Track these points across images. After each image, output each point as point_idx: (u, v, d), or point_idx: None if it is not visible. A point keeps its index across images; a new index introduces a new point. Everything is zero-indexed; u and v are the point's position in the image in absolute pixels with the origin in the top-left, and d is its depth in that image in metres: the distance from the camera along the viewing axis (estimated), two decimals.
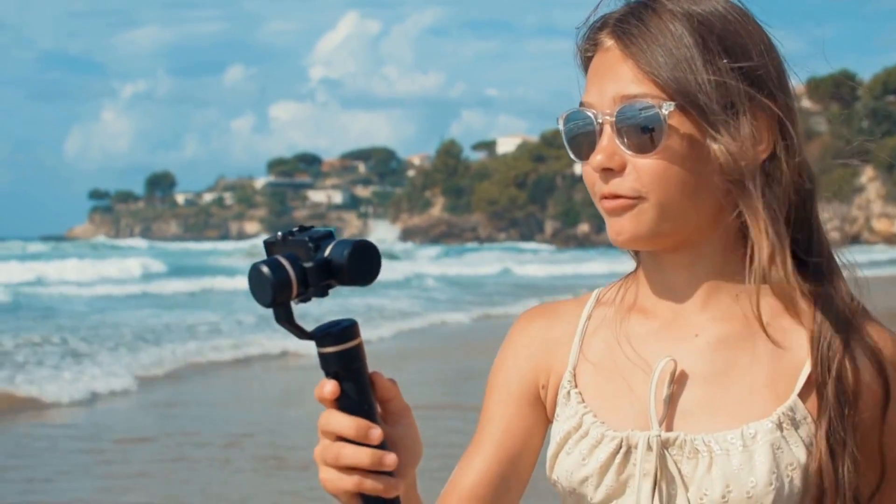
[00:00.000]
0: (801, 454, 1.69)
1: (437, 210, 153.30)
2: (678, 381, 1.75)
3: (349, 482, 1.48)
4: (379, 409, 1.53)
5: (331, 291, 1.46)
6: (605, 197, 1.73)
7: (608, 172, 1.71)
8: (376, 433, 1.47)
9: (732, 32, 1.72)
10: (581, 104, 1.76)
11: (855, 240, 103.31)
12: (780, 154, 1.73)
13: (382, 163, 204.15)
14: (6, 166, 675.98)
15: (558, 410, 1.83)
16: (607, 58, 1.74)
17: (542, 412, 1.88)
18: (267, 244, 1.51)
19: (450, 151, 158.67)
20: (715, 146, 1.68)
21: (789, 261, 1.73)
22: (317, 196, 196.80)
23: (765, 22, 1.77)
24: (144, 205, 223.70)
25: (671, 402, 1.75)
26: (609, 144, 1.71)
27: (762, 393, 1.73)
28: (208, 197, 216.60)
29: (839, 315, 1.73)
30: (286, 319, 1.45)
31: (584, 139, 1.75)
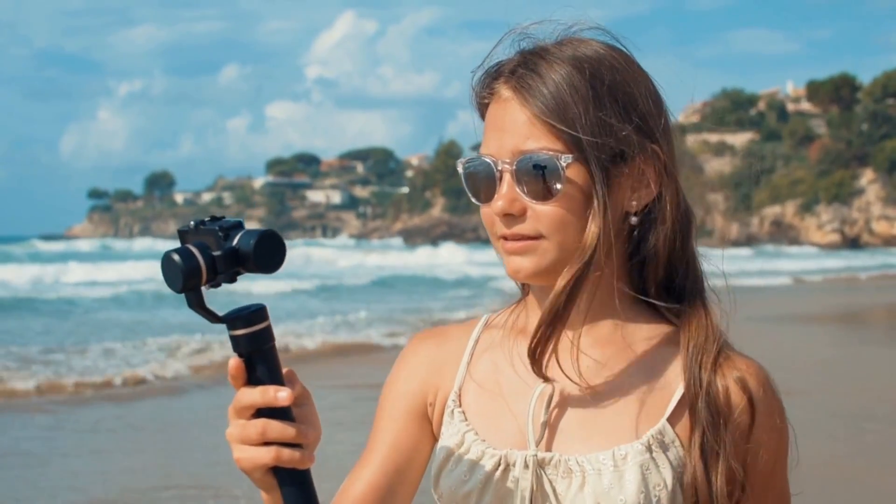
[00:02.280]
0: (668, 476, 1.78)
1: (437, 210, 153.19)
2: (557, 403, 1.84)
3: (268, 456, 1.56)
4: None
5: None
6: (506, 238, 1.82)
7: (509, 217, 1.81)
8: (283, 394, 1.56)
9: (621, 82, 1.81)
10: (479, 152, 1.85)
11: (854, 242, 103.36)
12: (665, 197, 1.84)
13: (381, 163, 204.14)
14: (2, 164, 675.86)
15: (443, 429, 1.92)
16: (506, 109, 1.82)
17: (428, 428, 1.96)
18: (181, 233, 1.56)
19: (450, 152, 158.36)
20: (597, 195, 1.78)
21: (659, 293, 1.89)
22: (315, 196, 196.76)
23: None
24: (143, 204, 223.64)
25: (552, 422, 1.84)
26: (509, 192, 1.80)
27: (634, 416, 1.82)
28: (207, 196, 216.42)
29: (709, 342, 1.84)
30: (198, 304, 1.53)
31: (483, 184, 1.84)
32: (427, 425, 1.96)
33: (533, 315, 1.92)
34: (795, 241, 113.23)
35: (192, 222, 1.56)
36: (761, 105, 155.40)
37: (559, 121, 1.76)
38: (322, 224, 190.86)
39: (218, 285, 1.54)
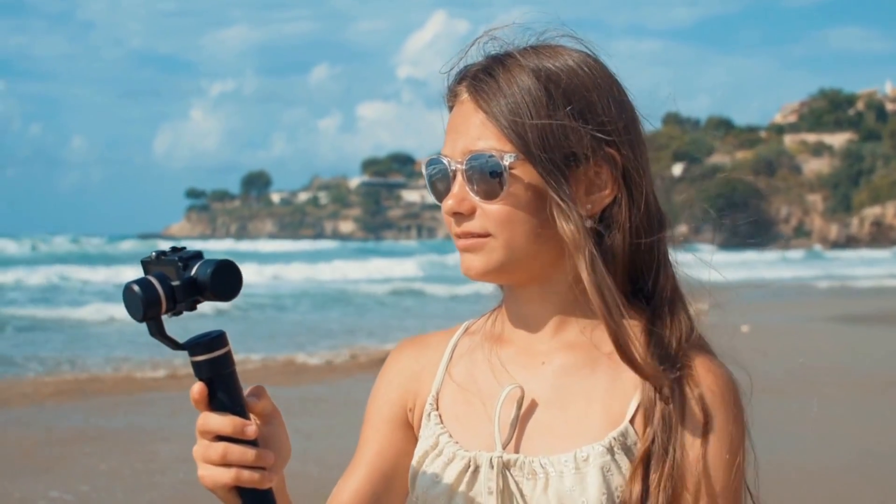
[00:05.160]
0: None
1: None
2: (526, 407, 1.89)
3: (228, 476, 1.64)
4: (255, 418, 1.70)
5: None
6: (459, 236, 1.88)
7: (459, 216, 1.87)
8: (251, 429, 1.64)
9: (579, 86, 1.84)
10: (440, 153, 1.90)
11: None
12: (620, 201, 1.86)
13: None
14: (99, 164, 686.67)
15: (421, 431, 1.98)
16: (462, 111, 1.89)
17: (412, 435, 2.02)
18: (143, 262, 1.64)
19: None
20: (551, 194, 1.81)
21: (619, 297, 1.85)
22: (410, 196, 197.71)
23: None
24: (240, 204, 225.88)
25: (518, 425, 1.88)
26: (460, 191, 1.85)
27: (598, 418, 1.85)
28: (303, 196, 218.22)
29: (671, 347, 1.85)
30: (158, 332, 1.60)
31: (441, 184, 1.89)
32: (410, 432, 2.02)
33: (504, 320, 1.99)
34: None
35: (153, 253, 1.63)
36: (860, 105, 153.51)
37: (509, 122, 1.81)
38: (417, 224, 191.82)
39: (179, 313, 1.60)
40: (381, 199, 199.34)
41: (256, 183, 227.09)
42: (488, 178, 1.82)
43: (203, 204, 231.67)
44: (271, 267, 49.05)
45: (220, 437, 1.65)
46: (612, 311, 1.82)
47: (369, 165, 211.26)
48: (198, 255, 1.63)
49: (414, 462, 1.95)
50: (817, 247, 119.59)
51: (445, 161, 1.88)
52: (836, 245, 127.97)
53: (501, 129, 1.82)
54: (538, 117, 1.80)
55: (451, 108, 1.94)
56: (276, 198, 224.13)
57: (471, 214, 1.85)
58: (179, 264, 1.60)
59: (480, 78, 1.87)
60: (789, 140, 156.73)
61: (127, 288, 1.57)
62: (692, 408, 1.82)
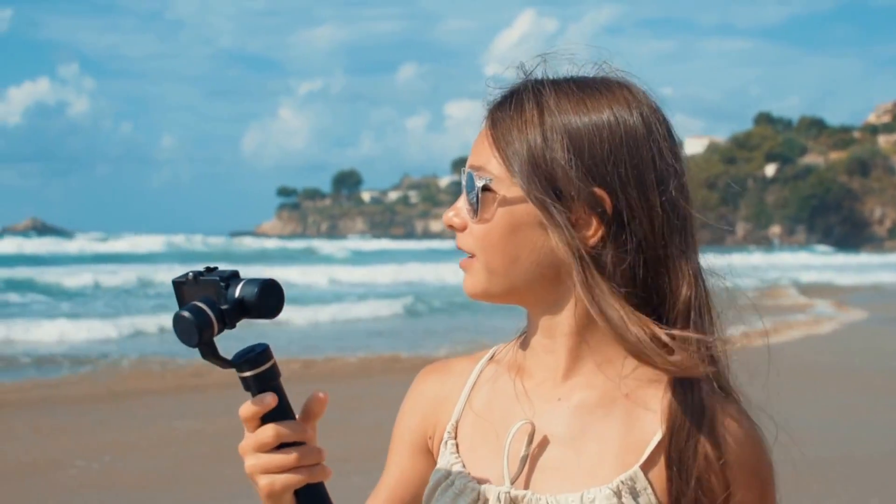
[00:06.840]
0: None
1: None
2: (538, 442, 1.87)
3: (299, 478, 1.71)
4: None
5: None
6: (459, 248, 1.93)
7: (454, 229, 1.92)
8: (311, 431, 1.73)
9: (583, 128, 1.81)
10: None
11: None
12: (608, 244, 1.79)
13: None
14: (188, 162, 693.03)
15: (438, 459, 1.99)
16: (484, 129, 1.92)
17: (432, 461, 2.02)
18: (176, 283, 1.68)
19: None
20: (539, 212, 1.81)
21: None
22: None
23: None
24: (331, 202, 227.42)
25: (530, 460, 1.86)
26: (460, 205, 1.92)
27: (610, 460, 1.83)
28: (393, 195, 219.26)
29: (697, 400, 1.81)
30: (212, 355, 1.65)
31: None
32: (431, 459, 2.03)
33: (525, 348, 1.96)
34: None
35: (189, 273, 1.67)
36: None
37: (505, 149, 1.85)
38: None
39: (220, 331, 1.65)
40: None
41: (347, 182, 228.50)
42: (476, 196, 1.85)
43: (294, 202, 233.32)
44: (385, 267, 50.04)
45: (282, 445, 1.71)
46: (618, 320, 1.78)
47: (459, 165, 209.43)
48: (235, 275, 1.67)
49: (427, 491, 1.96)
50: None
51: (462, 172, 1.93)
52: None
53: (500, 154, 1.85)
54: (533, 150, 1.82)
55: None
56: (366, 196, 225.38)
57: (463, 229, 1.90)
58: (222, 284, 1.65)
59: (503, 105, 1.89)
60: (883, 140, 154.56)
61: (178, 316, 1.61)
62: (718, 467, 1.79)
